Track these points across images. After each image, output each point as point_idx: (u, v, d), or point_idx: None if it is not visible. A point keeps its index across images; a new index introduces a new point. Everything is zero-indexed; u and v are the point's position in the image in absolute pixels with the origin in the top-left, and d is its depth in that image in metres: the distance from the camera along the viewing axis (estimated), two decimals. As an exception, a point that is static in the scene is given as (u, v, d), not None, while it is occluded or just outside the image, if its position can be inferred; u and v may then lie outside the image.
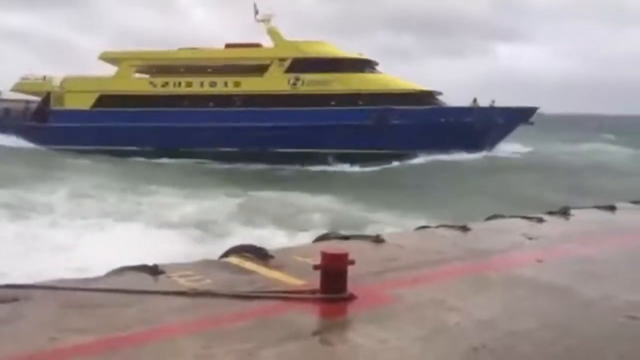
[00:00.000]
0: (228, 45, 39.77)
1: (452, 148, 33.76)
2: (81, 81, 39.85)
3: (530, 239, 6.42)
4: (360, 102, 35.66)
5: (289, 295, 4.15)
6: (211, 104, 37.36)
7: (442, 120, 35.09)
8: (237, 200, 19.81)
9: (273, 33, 38.87)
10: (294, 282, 4.50)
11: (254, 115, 36.14)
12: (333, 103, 35.77)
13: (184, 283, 4.44)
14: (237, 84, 37.91)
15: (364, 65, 37.71)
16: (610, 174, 28.26)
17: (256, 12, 40.57)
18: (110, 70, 40.36)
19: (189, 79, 38.43)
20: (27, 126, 38.85)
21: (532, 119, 37.09)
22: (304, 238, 11.64)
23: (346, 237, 6.07)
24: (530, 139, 40.74)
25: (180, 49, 40.21)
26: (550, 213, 7.84)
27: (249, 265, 4.96)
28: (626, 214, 8.17)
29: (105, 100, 38.49)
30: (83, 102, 38.95)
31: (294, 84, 37.01)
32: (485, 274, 5.09)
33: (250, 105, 36.71)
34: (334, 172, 32.92)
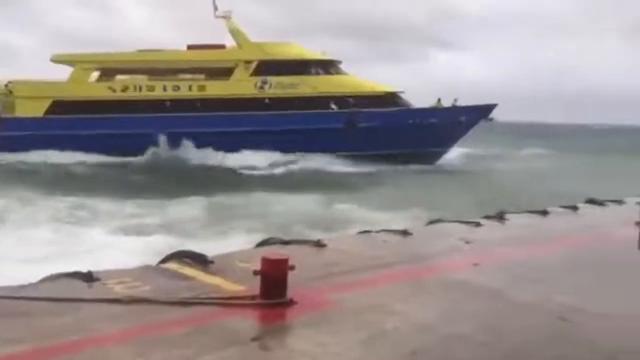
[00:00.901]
0: (190, 47, 37.79)
1: (418, 148, 34.34)
2: (32, 86, 36.34)
3: (468, 243, 6.56)
4: (329, 105, 35.28)
5: (228, 301, 4.09)
6: (175, 109, 35.33)
7: (410, 121, 35.33)
8: (202, 205, 19.45)
9: (237, 33, 37.03)
10: (234, 287, 4.44)
11: (220, 120, 34.56)
12: (301, 106, 34.95)
13: (120, 290, 4.31)
14: (201, 88, 36.06)
15: (330, 66, 37.01)
16: (538, 179, 29.29)
17: (215, 9, 38.71)
18: (56, 73, 38.02)
19: (151, 83, 36.28)
20: None
21: (491, 116, 37.57)
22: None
23: (287, 242, 6.05)
24: (471, 143, 41.58)
25: (139, 51, 37.68)
26: (487, 217, 8.05)
27: (188, 271, 4.87)
28: (557, 218, 8.48)
29: (60, 107, 35.43)
30: (35, 109, 35.12)
31: (261, 87, 35.68)
32: (424, 278, 5.16)
33: (216, 109, 34.97)
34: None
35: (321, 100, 35.18)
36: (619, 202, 9.98)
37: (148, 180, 27.06)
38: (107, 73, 37.24)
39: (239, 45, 36.89)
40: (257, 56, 36.08)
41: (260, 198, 21.74)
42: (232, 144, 33.47)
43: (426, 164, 34.05)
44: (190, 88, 36.23)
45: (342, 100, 35.14)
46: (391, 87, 36.94)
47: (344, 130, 34.28)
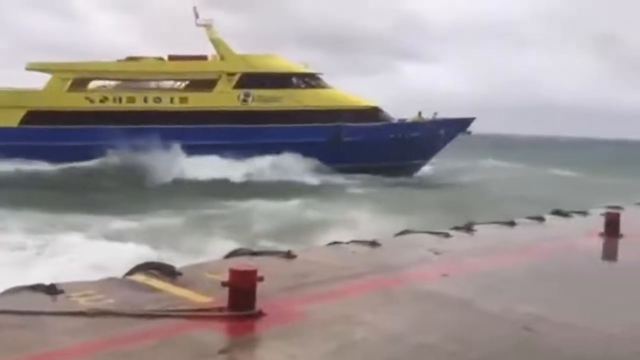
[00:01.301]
0: (172, 57, 36.84)
1: (399, 161, 34.70)
2: (5, 95, 34.68)
3: (437, 253, 6.61)
4: (313, 119, 34.87)
5: (195, 314, 4.04)
6: (156, 121, 33.88)
7: (392, 136, 35.76)
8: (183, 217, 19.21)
9: (219, 44, 36.42)
10: (202, 299, 4.39)
11: (202, 133, 33.67)
12: (284, 120, 34.68)
13: (84, 303, 4.22)
14: (183, 100, 35.23)
15: (313, 79, 36.88)
16: (504, 190, 29.86)
17: (196, 16, 38.02)
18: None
19: (131, 94, 35.12)
20: None
21: (469, 129, 38.33)
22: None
23: (257, 253, 6.01)
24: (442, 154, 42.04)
25: (119, 61, 36.57)
26: (456, 228, 8.12)
27: (155, 282, 4.80)
28: (524, 229, 8.61)
29: (35, 117, 34.01)
30: (8, 119, 33.48)
31: (244, 100, 35.20)
32: (393, 288, 5.18)
33: (198, 122, 34.14)
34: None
35: (305, 114, 34.92)
36: (584, 213, 10.17)
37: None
38: (85, 83, 35.98)
39: (222, 56, 36.40)
40: (240, 68, 35.65)
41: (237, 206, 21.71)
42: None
43: (405, 176, 34.33)
44: (172, 100, 35.37)
45: (326, 114, 34.98)
46: (374, 102, 37.24)
47: (328, 144, 34.24)
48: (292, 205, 22.21)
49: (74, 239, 14.66)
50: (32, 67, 36.07)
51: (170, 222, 17.90)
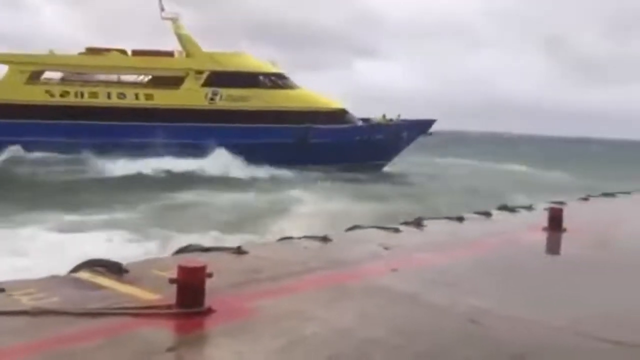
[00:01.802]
0: (135, 52, 35.67)
1: (363, 161, 35.21)
2: None
3: (386, 248, 6.69)
4: (281, 120, 34.68)
5: (142, 311, 3.97)
6: (119, 118, 32.91)
7: (357, 138, 36.32)
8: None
9: (188, 41, 35.59)
10: (150, 297, 4.32)
11: (169, 132, 32.52)
12: (252, 120, 34.31)
13: (27, 302, 4.10)
14: (149, 97, 34.11)
15: (280, 79, 36.59)
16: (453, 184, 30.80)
17: (162, 9, 36.92)
18: None
19: (94, 89, 33.75)
20: None
21: (430, 131, 39.16)
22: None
23: (207, 249, 5.96)
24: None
25: (81, 54, 35.14)
26: (406, 223, 8.24)
27: (100, 280, 4.70)
28: (472, 224, 8.80)
29: None
30: None
31: (212, 99, 34.61)
32: (344, 283, 5.22)
33: (164, 120, 33.10)
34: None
35: (273, 115, 34.72)
36: (529, 208, 10.47)
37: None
38: (42, 76, 34.28)
39: (189, 53, 35.60)
40: (208, 66, 35.04)
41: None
42: (180, 156, 31.71)
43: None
44: (137, 96, 34.25)
45: (294, 115, 34.94)
46: (341, 103, 37.60)
47: (295, 145, 34.20)
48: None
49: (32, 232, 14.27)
50: None
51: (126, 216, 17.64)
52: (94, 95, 33.97)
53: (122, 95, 34.25)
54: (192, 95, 34.62)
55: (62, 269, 4.99)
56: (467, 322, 4.19)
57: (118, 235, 14.41)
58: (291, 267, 5.56)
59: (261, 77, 35.88)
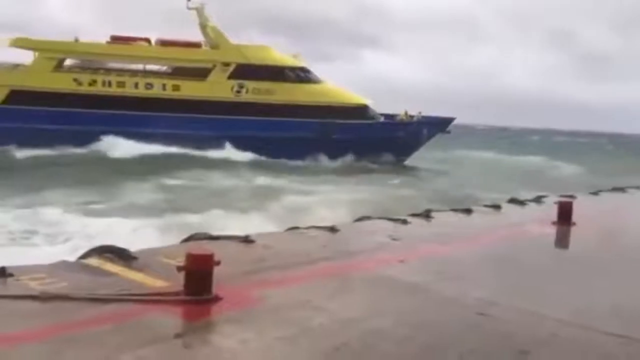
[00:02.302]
0: (162, 43, 35.50)
1: (384, 157, 35.41)
2: None
3: (394, 240, 6.69)
4: (304, 114, 34.75)
5: (150, 298, 4.00)
6: (147, 108, 32.81)
7: (379, 136, 36.32)
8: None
9: (214, 32, 35.50)
10: (158, 283, 4.35)
11: (195, 123, 32.76)
12: (276, 113, 34.38)
13: (36, 286, 4.13)
14: (176, 88, 33.99)
15: (304, 72, 36.58)
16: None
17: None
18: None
19: (122, 79, 33.59)
20: None
21: (448, 128, 39.49)
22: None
23: (215, 238, 5.97)
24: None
25: (109, 43, 34.67)
26: (414, 215, 8.23)
27: (109, 266, 4.73)
28: (480, 217, 8.78)
29: (18, 97, 32.05)
30: None
31: (238, 92, 34.56)
32: (351, 274, 5.23)
33: (190, 111, 33.23)
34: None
35: (297, 109, 34.83)
36: (538, 201, 10.42)
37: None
38: (70, 64, 34.18)
39: (216, 45, 35.47)
40: (235, 59, 34.96)
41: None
42: (204, 148, 31.93)
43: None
44: (164, 87, 34.12)
45: (317, 110, 35.02)
46: (363, 99, 37.53)
47: (317, 140, 34.23)
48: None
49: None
50: (16, 44, 33.90)
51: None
52: (121, 84, 33.87)
53: (149, 86, 34.18)
54: (218, 87, 34.55)
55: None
56: (474, 314, 4.19)
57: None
58: (298, 257, 5.57)
59: (287, 71, 35.82)
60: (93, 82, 33.61)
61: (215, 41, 35.52)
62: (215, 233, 6.29)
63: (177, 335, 3.51)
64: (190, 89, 34.30)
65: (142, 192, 19.44)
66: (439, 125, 38.72)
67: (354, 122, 35.64)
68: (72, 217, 14.62)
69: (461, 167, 36.68)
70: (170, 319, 3.76)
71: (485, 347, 3.64)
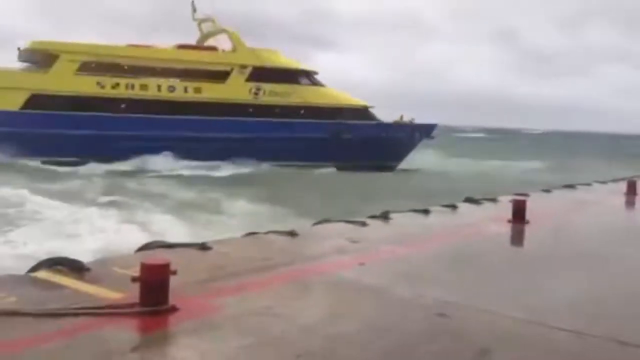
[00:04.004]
0: (181, 47, 36.33)
1: (383, 159, 36.89)
2: (8, 75, 31.86)
3: (354, 242, 6.68)
4: (316, 116, 35.92)
5: (103, 311, 3.86)
6: (168, 111, 33.00)
7: (382, 135, 37.73)
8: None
9: (233, 36, 36.25)
10: (112, 295, 4.21)
11: (217, 125, 33.33)
12: (291, 115, 35.65)
13: (-18, 302, 3.95)
14: (197, 90, 34.35)
15: (312, 76, 37.92)
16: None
17: (194, 10, 38.11)
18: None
19: (144, 82, 33.59)
20: None
21: (432, 134, 41.48)
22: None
23: (171, 246, 5.84)
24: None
25: (129, 46, 34.66)
26: (373, 217, 8.25)
27: (60, 279, 4.56)
28: (438, 217, 8.86)
29: (39, 101, 31.51)
30: (9, 102, 30.86)
31: (256, 94, 35.45)
32: (311, 278, 5.18)
33: (211, 114, 33.73)
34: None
35: (310, 110, 36.04)
36: (494, 200, 10.60)
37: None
38: (93, 67, 33.51)
39: (234, 48, 36.20)
40: (251, 62, 35.72)
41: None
42: (223, 150, 32.50)
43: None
44: (185, 89, 34.31)
45: (327, 111, 36.34)
46: (363, 101, 39.21)
47: (328, 140, 35.42)
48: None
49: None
50: (36, 47, 33.02)
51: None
52: (144, 87, 33.76)
53: (171, 88, 34.26)
54: (237, 90, 35.27)
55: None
56: (435, 315, 4.21)
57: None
58: (257, 263, 5.50)
59: (298, 74, 37.16)
60: (116, 85, 33.33)
61: (233, 45, 36.42)
62: (171, 241, 6.16)
63: (134, 349, 3.40)
64: (211, 91, 34.78)
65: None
66: (427, 130, 40.86)
67: (360, 123, 37.23)
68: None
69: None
70: (126, 332, 3.64)
71: (446, 349, 3.65)
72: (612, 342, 3.84)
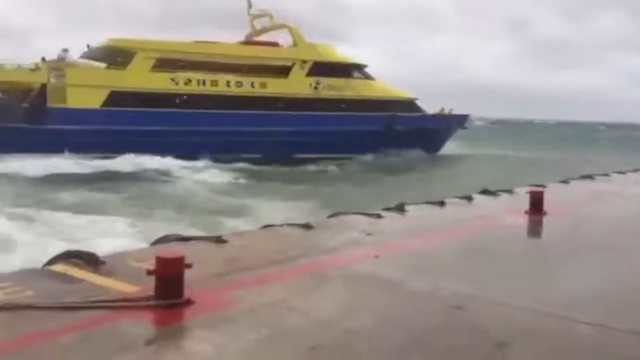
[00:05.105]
0: (244, 43, 37.26)
1: (428, 148, 38.35)
2: (88, 73, 32.04)
3: (369, 235, 6.64)
4: (371, 108, 36.78)
5: (120, 304, 3.87)
6: (237, 106, 33.63)
7: (429, 126, 39.06)
8: None
9: (294, 32, 37.00)
10: (127, 289, 4.22)
11: (284, 120, 34.19)
12: (344, 107, 36.49)
13: (0, 296, 3.98)
14: (263, 85, 35.13)
15: (364, 70, 38.75)
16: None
17: (250, 6, 38.70)
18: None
19: (214, 78, 34.30)
20: (13, 128, 29.20)
21: (465, 124, 43.07)
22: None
23: (186, 239, 5.85)
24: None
25: (197, 42, 35.27)
26: (388, 209, 8.20)
27: (76, 272, 4.58)
28: (454, 209, 8.79)
29: (118, 98, 31.66)
30: (90, 100, 30.97)
31: (315, 88, 36.35)
32: (326, 271, 5.16)
33: (275, 108, 34.58)
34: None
35: (366, 103, 36.98)
36: (510, 192, 10.49)
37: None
38: (167, 64, 34.08)
39: (295, 43, 36.96)
40: (311, 57, 36.60)
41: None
42: (288, 144, 33.31)
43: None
44: (252, 85, 35.10)
45: (381, 104, 37.31)
46: (411, 93, 40.51)
47: (383, 132, 36.39)
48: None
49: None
50: (115, 44, 33.56)
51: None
52: (214, 83, 34.44)
53: (239, 84, 34.95)
54: (299, 85, 36.14)
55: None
56: (451, 309, 4.16)
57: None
58: (272, 256, 5.49)
59: (352, 68, 38.08)
60: (188, 82, 33.93)
61: (294, 40, 37.12)
62: (187, 234, 6.17)
63: (149, 342, 3.40)
64: (276, 86, 35.54)
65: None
66: (461, 120, 42.36)
67: (411, 115, 38.35)
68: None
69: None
70: (141, 325, 3.65)
71: (463, 343, 3.61)
72: (633, 335, 3.77)
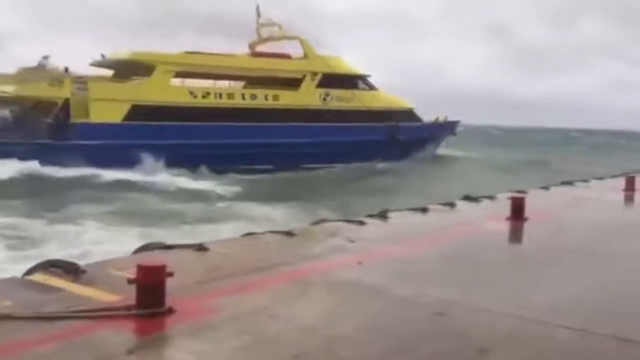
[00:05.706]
0: (255, 54, 37.50)
1: (423, 156, 39.44)
2: (111, 87, 32.11)
3: (351, 241, 6.64)
4: (374, 119, 37.36)
5: (100, 313, 3.83)
6: (251, 118, 33.70)
7: (426, 134, 40.35)
8: None
9: (305, 44, 37.30)
10: (108, 298, 4.18)
11: (293, 131, 34.47)
12: (354, 119, 36.95)
13: (-23, 306, 3.91)
14: (276, 98, 35.34)
15: (367, 80, 39.29)
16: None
17: (258, 15, 38.80)
18: None
19: (230, 91, 34.89)
20: (38, 144, 28.96)
21: (455, 131, 44.06)
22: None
23: (168, 247, 5.81)
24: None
25: (211, 54, 35.00)
26: (370, 216, 8.21)
27: (56, 282, 4.52)
28: (436, 215, 8.83)
29: (139, 112, 31.43)
30: (113, 114, 30.85)
31: (324, 99, 36.72)
32: (308, 278, 5.15)
33: (287, 120, 34.80)
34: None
35: (370, 114, 37.47)
36: (492, 198, 10.57)
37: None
38: (184, 76, 34.42)
39: (305, 55, 37.21)
40: (321, 68, 36.96)
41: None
42: (299, 155, 33.49)
43: None
44: (266, 97, 35.30)
45: (383, 114, 37.99)
46: (409, 103, 41.24)
47: (386, 142, 37.18)
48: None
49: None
50: (135, 58, 33.02)
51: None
52: (230, 96, 34.69)
53: (253, 96, 35.17)
54: (309, 96, 36.51)
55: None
56: (434, 315, 4.17)
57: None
58: (254, 263, 5.46)
59: (357, 79, 38.75)
60: (206, 95, 34.04)
61: (305, 52, 37.43)
62: (169, 242, 6.12)
63: (130, 352, 3.36)
64: (288, 99, 35.88)
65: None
66: (452, 127, 43.61)
67: (411, 125, 39.33)
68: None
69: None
70: (122, 335, 3.60)
71: (446, 349, 3.61)
72: (614, 339, 3.81)
